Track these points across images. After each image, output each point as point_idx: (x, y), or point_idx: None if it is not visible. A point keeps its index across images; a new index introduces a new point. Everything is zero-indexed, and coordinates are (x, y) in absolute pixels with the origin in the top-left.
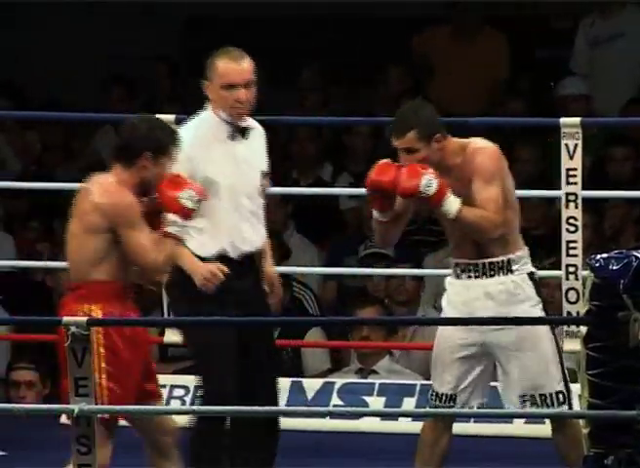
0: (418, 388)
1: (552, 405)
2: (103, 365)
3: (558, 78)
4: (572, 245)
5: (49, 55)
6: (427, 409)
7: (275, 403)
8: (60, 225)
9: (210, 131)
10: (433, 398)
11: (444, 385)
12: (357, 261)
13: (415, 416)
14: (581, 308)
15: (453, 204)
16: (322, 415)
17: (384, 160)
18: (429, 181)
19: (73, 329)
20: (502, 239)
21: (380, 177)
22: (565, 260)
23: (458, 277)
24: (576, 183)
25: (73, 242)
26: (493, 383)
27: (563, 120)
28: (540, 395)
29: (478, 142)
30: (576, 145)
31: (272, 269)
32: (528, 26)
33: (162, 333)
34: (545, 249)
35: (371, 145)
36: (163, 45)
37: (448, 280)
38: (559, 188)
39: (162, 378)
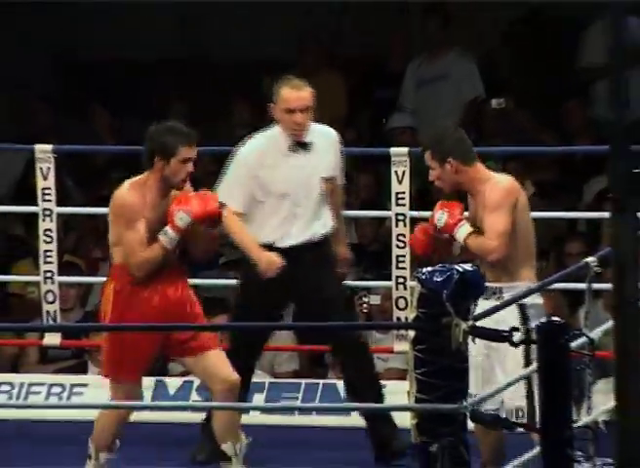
0: (266, 385)
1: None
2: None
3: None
4: (401, 259)
5: None
6: (274, 404)
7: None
8: None
9: (272, 143)
10: None
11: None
12: (218, 271)
13: (263, 410)
14: (410, 314)
15: (462, 233)
16: (183, 409)
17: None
18: (440, 215)
19: None
20: (501, 266)
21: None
22: (395, 272)
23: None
24: (404, 205)
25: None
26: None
27: (393, 150)
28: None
29: (497, 177)
30: (404, 172)
31: (343, 249)
32: (368, 69)
33: (42, 337)
34: (378, 262)
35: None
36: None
37: None
38: (390, 209)
39: (41, 378)
